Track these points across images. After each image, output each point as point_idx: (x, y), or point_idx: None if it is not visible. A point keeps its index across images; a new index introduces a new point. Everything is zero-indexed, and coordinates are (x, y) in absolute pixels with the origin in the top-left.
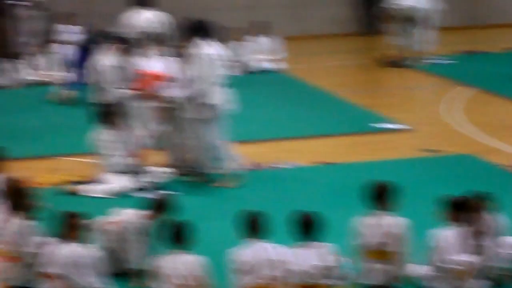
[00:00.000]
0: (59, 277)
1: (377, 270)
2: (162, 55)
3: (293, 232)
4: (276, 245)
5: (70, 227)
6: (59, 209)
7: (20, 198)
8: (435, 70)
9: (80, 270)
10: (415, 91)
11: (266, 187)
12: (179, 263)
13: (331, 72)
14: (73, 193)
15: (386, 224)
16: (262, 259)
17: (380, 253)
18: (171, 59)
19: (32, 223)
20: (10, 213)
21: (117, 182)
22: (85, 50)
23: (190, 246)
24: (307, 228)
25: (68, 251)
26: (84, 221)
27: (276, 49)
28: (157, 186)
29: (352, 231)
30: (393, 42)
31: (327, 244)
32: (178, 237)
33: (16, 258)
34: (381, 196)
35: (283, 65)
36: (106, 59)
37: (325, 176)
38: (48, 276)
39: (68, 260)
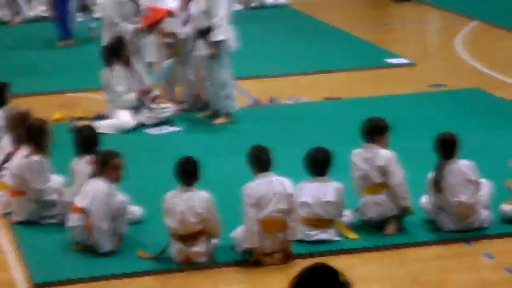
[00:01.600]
0: (85, 212)
1: (374, 203)
2: None
3: (305, 168)
4: (285, 179)
5: (105, 165)
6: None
7: (28, 132)
8: (444, 4)
9: (107, 210)
10: (424, 25)
11: (276, 123)
12: (183, 199)
13: (338, 7)
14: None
15: (376, 157)
16: (271, 192)
17: (374, 187)
18: None
19: (40, 157)
20: (17, 147)
21: (124, 118)
22: None
23: (196, 182)
24: (320, 163)
25: (100, 187)
26: (120, 161)
27: None
28: (163, 122)
29: (350, 165)
30: None
31: (336, 181)
32: (183, 173)
33: (21, 192)
34: (373, 131)
35: (289, 0)
36: None
37: (336, 111)
38: (75, 209)
39: (98, 196)
